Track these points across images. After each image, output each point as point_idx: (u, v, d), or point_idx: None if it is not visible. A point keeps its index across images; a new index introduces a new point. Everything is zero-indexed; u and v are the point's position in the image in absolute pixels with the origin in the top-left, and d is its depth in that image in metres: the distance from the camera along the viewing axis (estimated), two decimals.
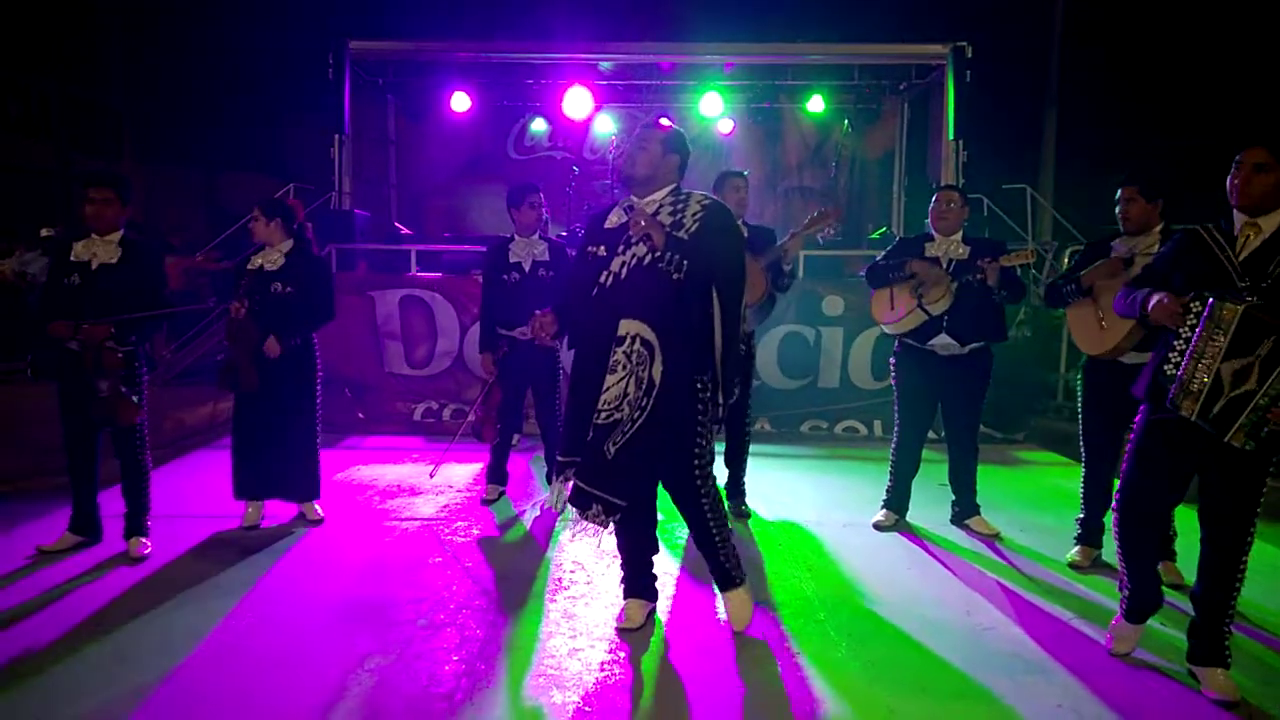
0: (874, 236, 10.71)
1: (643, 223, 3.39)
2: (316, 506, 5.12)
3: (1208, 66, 13.80)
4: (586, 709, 3.05)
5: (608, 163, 11.37)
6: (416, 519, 5.22)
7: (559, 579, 4.28)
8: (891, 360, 5.10)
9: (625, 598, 3.83)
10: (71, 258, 4.38)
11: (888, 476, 5.17)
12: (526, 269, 5.32)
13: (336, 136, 10.15)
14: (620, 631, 3.70)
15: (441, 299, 8.19)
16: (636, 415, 3.40)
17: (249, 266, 4.85)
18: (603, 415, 3.42)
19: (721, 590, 3.79)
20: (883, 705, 3.12)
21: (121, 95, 14.56)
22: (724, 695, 3.16)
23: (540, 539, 4.91)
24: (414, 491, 5.84)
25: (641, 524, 3.79)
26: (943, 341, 4.79)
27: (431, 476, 6.07)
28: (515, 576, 4.32)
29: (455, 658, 3.40)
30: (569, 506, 3.53)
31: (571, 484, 3.53)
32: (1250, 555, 3.21)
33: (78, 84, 13.86)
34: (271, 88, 13.74)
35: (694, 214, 3.51)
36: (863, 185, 12.43)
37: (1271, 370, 2.90)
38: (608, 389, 3.41)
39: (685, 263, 3.38)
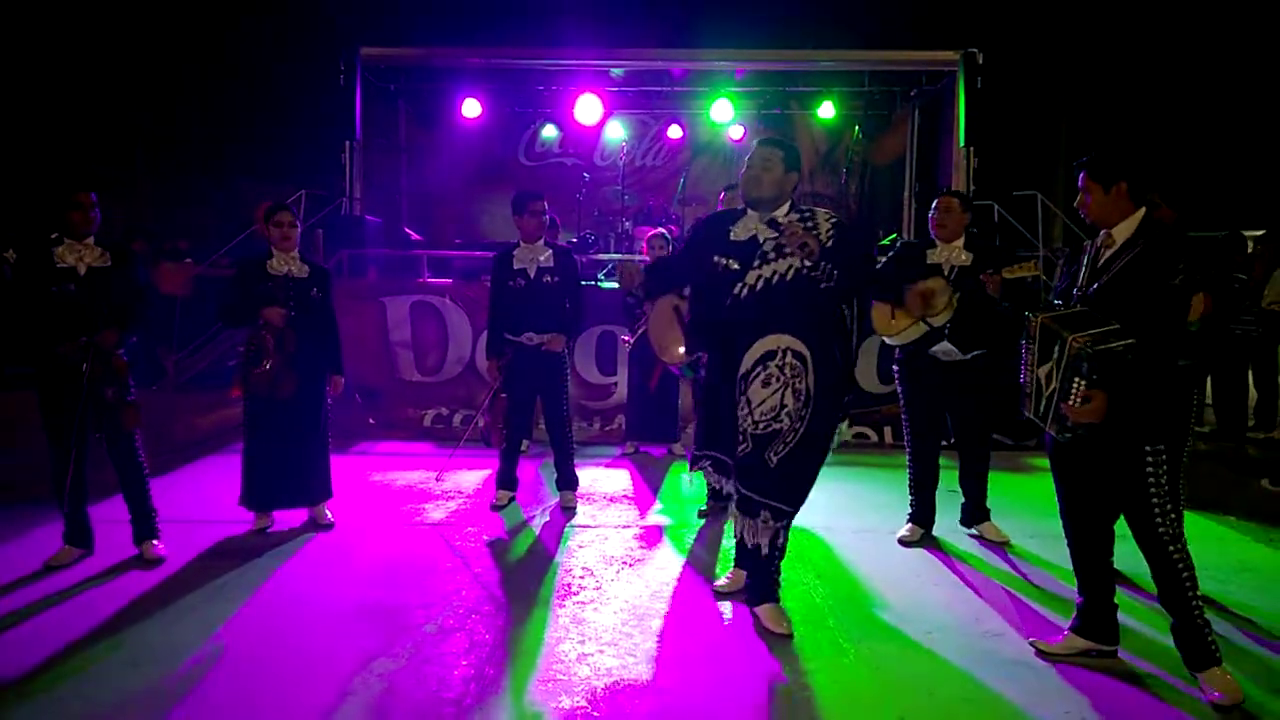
0: (884, 243, 10.68)
1: (800, 232, 3.55)
2: (327, 511, 5.14)
3: (1219, 72, 13.75)
4: (594, 714, 3.05)
5: (618, 169, 11.39)
6: (426, 524, 5.24)
7: (568, 584, 4.29)
8: (895, 369, 5.05)
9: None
10: (56, 264, 4.26)
11: (908, 490, 5.08)
12: (531, 275, 5.33)
13: (348, 143, 10.21)
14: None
15: (452, 305, 8.21)
16: (798, 426, 3.61)
17: (271, 271, 4.80)
18: (760, 426, 3.62)
19: (762, 602, 3.84)
20: (892, 711, 3.12)
21: (134, 103, 14.66)
22: (732, 701, 3.16)
23: (549, 544, 4.92)
24: (424, 497, 5.85)
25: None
26: (944, 348, 4.73)
27: (438, 480, 6.09)
28: (524, 582, 4.32)
29: (464, 662, 3.41)
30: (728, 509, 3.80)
31: (736, 492, 3.75)
32: (1249, 558, 3.21)
33: (91, 94, 13.96)
34: (283, 94, 13.81)
35: (827, 230, 3.68)
36: (873, 191, 12.42)
37: (1060, 369, 3.18)
38: (762, 401, 3.60)
39: (836, 271, 3.58)
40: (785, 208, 3.77)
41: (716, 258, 3.75)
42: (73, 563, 4.42)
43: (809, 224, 3.69)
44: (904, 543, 5.00)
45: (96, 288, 4.31)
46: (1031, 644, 3.60)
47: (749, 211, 3.81)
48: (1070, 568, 4.48)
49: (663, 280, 4.19)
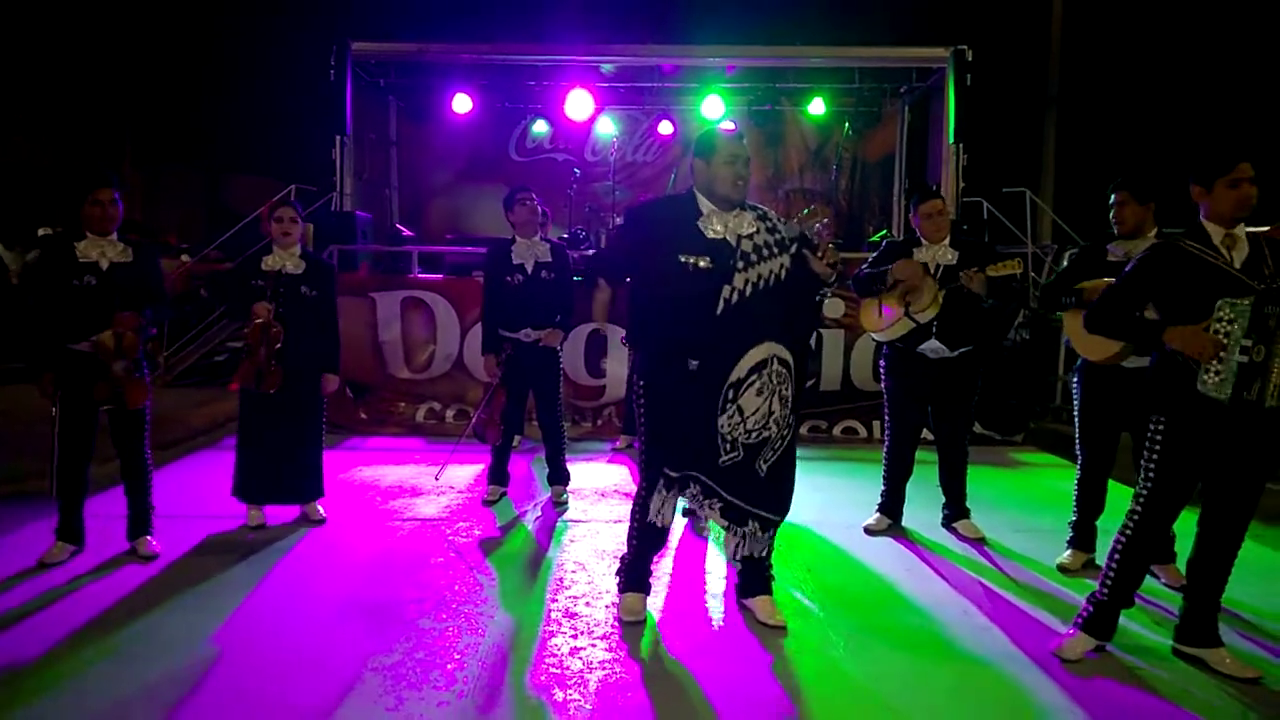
0: (874, 239, 10.72)
1: (774, 250, 3.56)
2: (319, 507, 5.15)
3: (1208, 70, 13.83)
4: (588, 707, 3.08)
5: (609, 164, 11.40)
6: (418, 519, 5.25)
7: (560, 578, 4.31)
8: (881, 364, 5.11)
9: (625, 592, 3.87)
10: (79, 259, 4.31)
11: (881, 481, 5.17)
12: (530, 270, 5.34)
13: (338, 138, 10.16)
14: (625, 625, 3.74)
15: (443, 301, 8.20)
16: (785, 433, 3.62)
17: (265, 268, 4.82)
18: (753, 435, 3.57)
19: (755, 594, 3.88)
20: (881, 704, 3.15)
21: (123, 96, 14.59)
22: (724, 694, 3.19)
23: (541, 539, 4.94)
24: (416, 492, 5.87)
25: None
26: (932, 346, 4.79)
27: (437, 479, 6.10)
28: (517, 576, 4.35)
29: (457, 656, 3.43)
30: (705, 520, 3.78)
31: (721, 500, 3.64)
32: (1248, 556, 3.27)
33: (79, 84, 13.90)
34: (273, 89, 13.79)
35: (780, 224, 3.68)
36: (863, 188, 12.44)
37: None
38: (755, 410, 3.53)
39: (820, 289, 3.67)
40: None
41: (684, 256, 3.48)
42: (66, 559, 4.41)
43: (768, 222, 3.65)
44: (870, 531, 5.09)
45: (116, 282, 4.31)
46: (1055, 654, 3.50)
47: (711, 209, 3.58)
48: (1049, 564, 4.57)
49: (615, 270, 4.18)
